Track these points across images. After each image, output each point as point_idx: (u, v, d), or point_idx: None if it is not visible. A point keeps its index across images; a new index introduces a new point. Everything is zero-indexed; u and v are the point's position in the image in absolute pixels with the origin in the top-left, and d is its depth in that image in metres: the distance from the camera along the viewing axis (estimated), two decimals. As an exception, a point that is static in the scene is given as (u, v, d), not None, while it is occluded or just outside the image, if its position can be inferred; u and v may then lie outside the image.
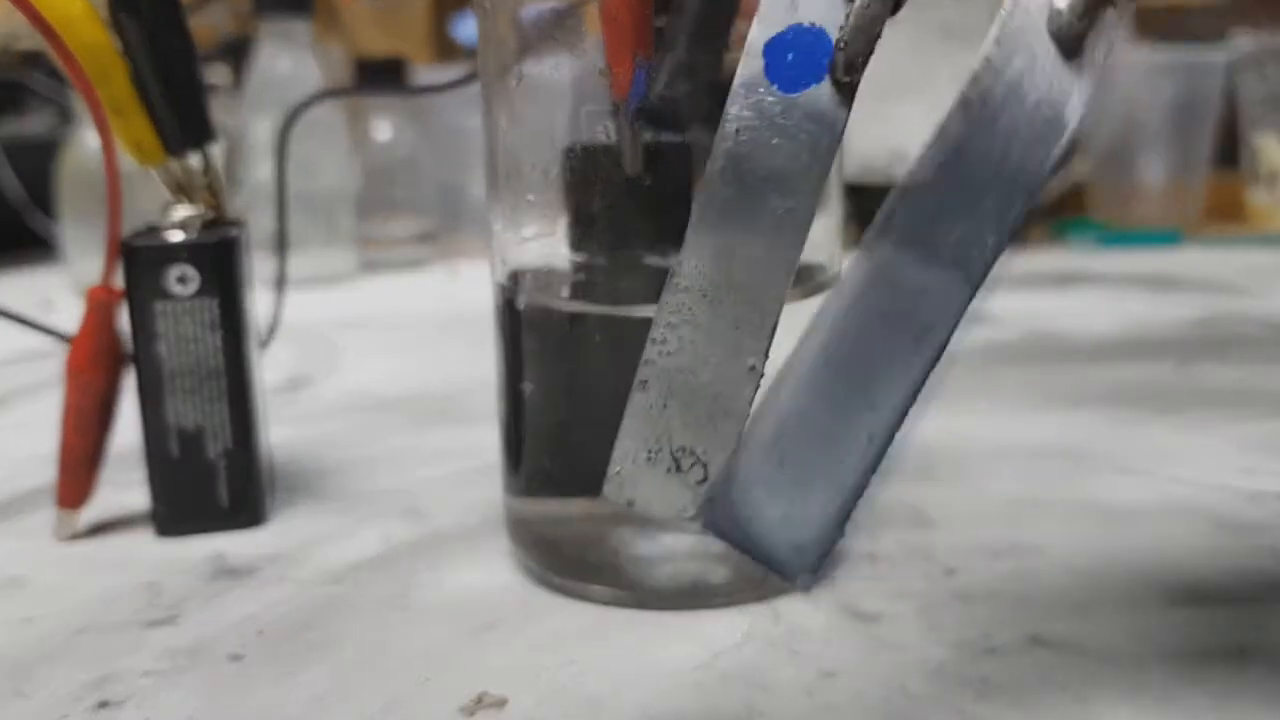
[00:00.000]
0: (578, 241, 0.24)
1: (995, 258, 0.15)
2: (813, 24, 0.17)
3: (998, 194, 0.15)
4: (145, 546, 0.29)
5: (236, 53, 0.79)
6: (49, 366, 0.43)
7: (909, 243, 0.15)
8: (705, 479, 0.17)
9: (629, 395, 0.17)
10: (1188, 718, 0.20)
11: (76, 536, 0.29)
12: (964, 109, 0.15)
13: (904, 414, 0.15)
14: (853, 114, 0.17)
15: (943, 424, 0.37)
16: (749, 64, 0.17)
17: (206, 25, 0.88)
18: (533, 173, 0.24)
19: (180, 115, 0.29)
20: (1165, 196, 0.82)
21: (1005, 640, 0.23)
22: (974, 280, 0.15)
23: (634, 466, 0.17)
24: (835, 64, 0.17)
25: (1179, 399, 0.40)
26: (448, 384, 0.45)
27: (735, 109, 0.17)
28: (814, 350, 0.15)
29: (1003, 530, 0.28)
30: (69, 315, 0.31)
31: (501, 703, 0.21)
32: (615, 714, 0.20)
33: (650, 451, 0.17)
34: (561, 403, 0.25)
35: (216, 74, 0.76)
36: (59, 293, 0.66)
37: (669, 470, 0.17)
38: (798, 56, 0.17)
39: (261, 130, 0.68)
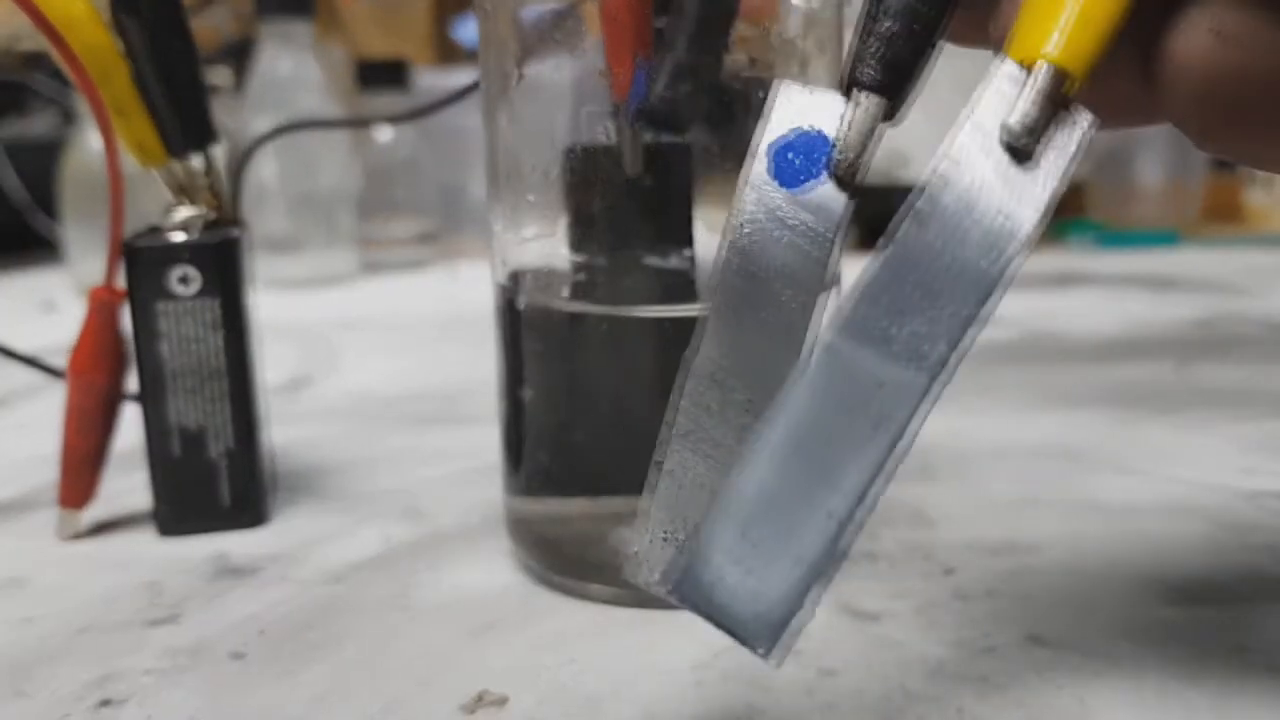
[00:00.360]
0: (578, 242, 0.25)
1: (952, 354, 0.16)
2: (814, 127, 0.17)
3: (952, 296, 0.16)
4: (147, 546, 0.29)
5: (238, 54, 0.79)
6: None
7: (865, 338, 0.16)
8: None
9: (647, 478, 0.17)
10: (1187, 717, 0.20)
11: (78, 536, 0.30)
12: (914, 219, 0.16)
13: (866, 495, 0.16)
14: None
15: (943, 424, 0.37)
16: (754, 164, 0.17)
17: (208, 27, 0.88)
18: (533, 173, 0.25)
19: (182, 116, 0.29)
20: (1164, 197, 0.82)
21: (1004, 639, 0.23)
22: (930, 375, 0.16)
23: (651, 547, 0.17)
24: (834, 161, 0.17)
25: (1179, 399, 0.40)
26: (448, 384, 0.45)
27: (742, 205, 0.17)
28: (779, 431, 0.16)
29: (1002, 530, 0.28)
30: (71, 316, 0.31)
31: (502, 701, 0.21)
32: (615, 713, 0.20)
33: (667, 533, 0.17)
34: (562, 403, 0.25)
35: (218, 75, 0.76)
36: (61, 293, 0.67)
37: None
38: (799, 156, 0.17)
39: (263, 131, 0.68)
